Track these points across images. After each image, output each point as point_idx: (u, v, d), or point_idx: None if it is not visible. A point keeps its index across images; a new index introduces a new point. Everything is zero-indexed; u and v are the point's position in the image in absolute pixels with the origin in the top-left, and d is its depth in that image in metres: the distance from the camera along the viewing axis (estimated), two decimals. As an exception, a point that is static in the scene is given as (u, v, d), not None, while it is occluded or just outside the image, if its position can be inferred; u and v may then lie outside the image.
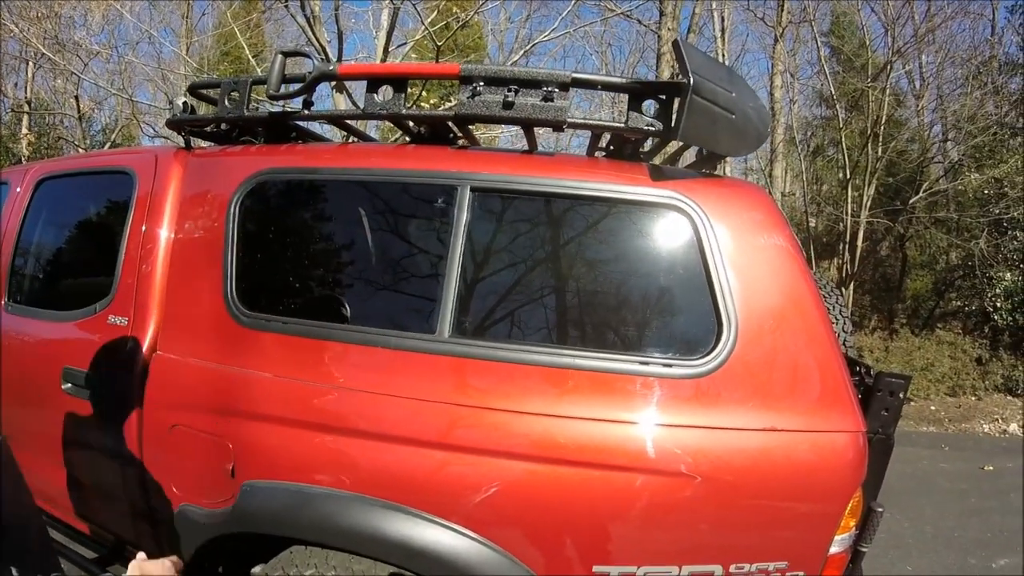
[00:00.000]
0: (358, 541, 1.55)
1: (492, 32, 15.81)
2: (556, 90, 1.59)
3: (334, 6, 6.34)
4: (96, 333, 1.97)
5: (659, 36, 11.15)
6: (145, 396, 1.83)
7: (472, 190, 1.64)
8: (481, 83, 1.61)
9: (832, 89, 12.02)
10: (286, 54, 1.79)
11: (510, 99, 1.59)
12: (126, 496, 1.92)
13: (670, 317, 1.61)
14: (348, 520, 1.55)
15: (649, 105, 1.60)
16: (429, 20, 6.77)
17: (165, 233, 1.93)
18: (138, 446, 1.84)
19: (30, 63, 13.30)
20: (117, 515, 2.00)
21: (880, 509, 1.73)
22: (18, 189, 2.47)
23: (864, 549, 1.74)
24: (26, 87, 14.24)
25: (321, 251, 1.85)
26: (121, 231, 2.00)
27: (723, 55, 13.60)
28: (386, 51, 6.79)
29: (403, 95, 1.72)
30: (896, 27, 11.37)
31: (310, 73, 1.75)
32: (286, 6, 6.38)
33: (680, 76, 1.48)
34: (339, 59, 6.28)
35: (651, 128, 1.59)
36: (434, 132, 1.89)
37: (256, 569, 1.72)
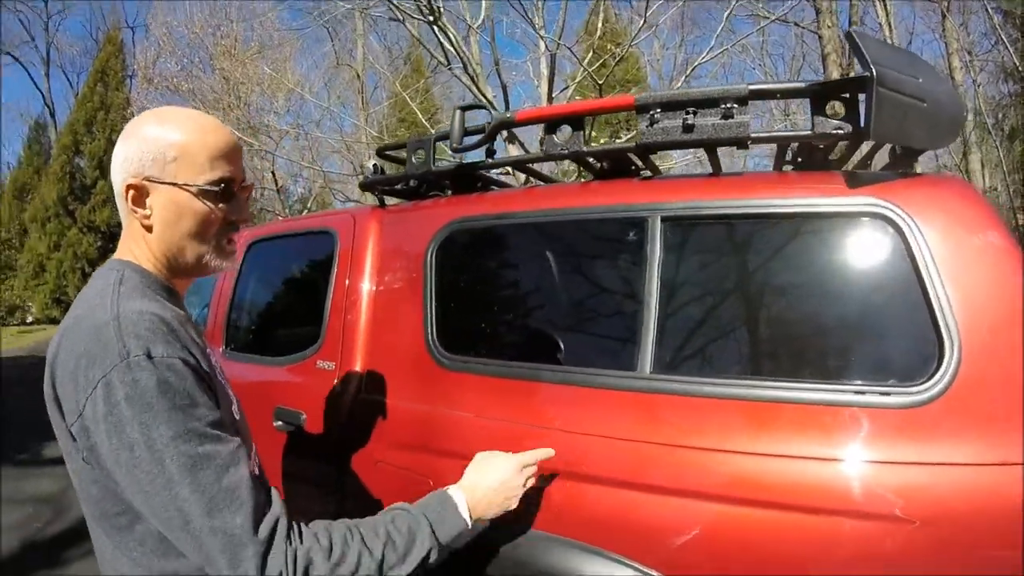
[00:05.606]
0: None
1: (649, 63, 15.76)
2: (735, 106, 1.53)
3: (493, 62, 6.73)
4: (306, 376, 2.16)
5: (820, 36, 10.26)
6: (352, 434, 1.95)
7: (663, 220, 1.60)
8: (658, 110, 1.60)
9: (1016, 59, 10.42)
10: (464, 108, 1.90)
11: (689, 122, 1.56)
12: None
13: (885, 339, 1.43)
14: (544, 560, 1.51)
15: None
16: (586, 60, 6.94)
17: (367, 285, 2.09)
18: (343, 480, 1.96)
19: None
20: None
21: None
22: None
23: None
24: (228, 168, 16.56)
25: (517, 292, 1.90)
26: (326, 284, 2.20)
27: (892, 43, 12.27)
28: (550, 97, 7.08)
29: (581, 133, 1.74)
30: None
31: (489, 123, 1.84)
32: (449, 69, 6.88)
33: (861, 70, 1.36)
34: (506, 110, 6.68)
35: (839, 131, 1.48)
36: (617, 166, 1.88)
37: None
